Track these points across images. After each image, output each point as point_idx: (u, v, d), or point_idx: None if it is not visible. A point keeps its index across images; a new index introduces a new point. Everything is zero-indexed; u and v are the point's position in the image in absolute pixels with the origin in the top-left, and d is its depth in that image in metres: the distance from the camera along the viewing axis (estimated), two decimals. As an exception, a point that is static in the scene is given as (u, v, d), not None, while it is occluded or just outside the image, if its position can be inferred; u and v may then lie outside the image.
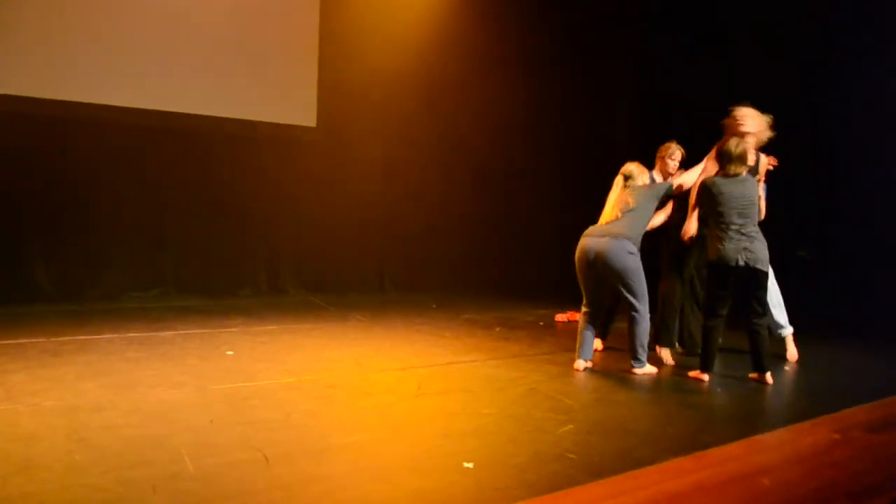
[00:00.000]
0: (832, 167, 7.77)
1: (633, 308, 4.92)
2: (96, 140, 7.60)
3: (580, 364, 5.10)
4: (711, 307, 4.88)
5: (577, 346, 5.17)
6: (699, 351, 5.09)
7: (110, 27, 7.65)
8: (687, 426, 3.82)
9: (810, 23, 7.88)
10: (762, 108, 5.18)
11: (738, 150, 4.83)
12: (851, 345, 6.51)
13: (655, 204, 5.14)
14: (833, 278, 7.45)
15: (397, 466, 3.04)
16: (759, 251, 4.73)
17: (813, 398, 4.65)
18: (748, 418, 4.17)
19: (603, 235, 4.96)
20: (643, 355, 5.01)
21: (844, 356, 6.09)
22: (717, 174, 4.90)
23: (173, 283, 8.09)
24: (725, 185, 4.80)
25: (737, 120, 5.13)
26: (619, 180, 5.20)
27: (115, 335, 5.72)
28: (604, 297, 5.24)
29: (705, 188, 4.87)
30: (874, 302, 7.20)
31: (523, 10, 9.85)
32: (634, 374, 4.97)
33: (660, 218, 5.34)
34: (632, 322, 4.96)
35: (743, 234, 4.74)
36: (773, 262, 4.95)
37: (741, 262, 4.69)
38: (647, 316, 4.96)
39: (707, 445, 3.43)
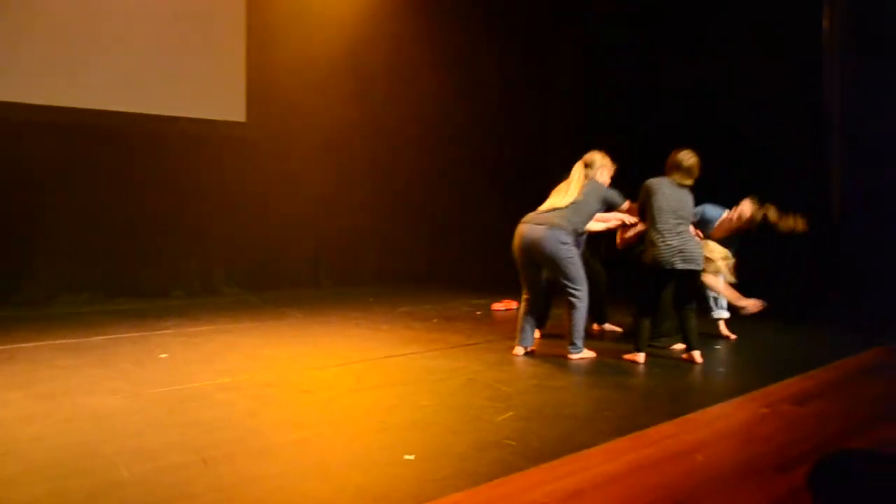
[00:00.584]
0: (755, 154, 7.98)
1: (570, 294, 4.99)
2: (16, 140, 7.33)
3: (519, 350, 5.19)
4: (644, 306, 5.06)
5: (517, 332, 5.24)
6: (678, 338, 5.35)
7: (29, 24, 7.41)
8: (624, 408, 3.90)
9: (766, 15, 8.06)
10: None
11: (689, 162, 5.03)
12: (776, 324, 6.73)
13: (600, 204, 5.18)
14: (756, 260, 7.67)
15: (338, 462, 3.03)
16: (694, 252, 4.93)
17: (742, 375, 4.81)
18: (682, 398, 4.28)
19: (539, 223, 5.02)
20: (580, 341, 5.09)
21: (770, 334, 6.31)
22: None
23: (103, 286, 7.88)
24: (668, 187, 4.98)
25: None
26: (579, 166, 5.27)
27: (44, 342, 5.54)
28: (542, 283, 5.29)
29: (649, 187, 5.01)
30: (796, 281, 7.44)
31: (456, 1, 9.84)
32: (571, 359, 5.05)
33: (597, 225, 5.44)
34: (569, 307, 5.03)
35: (677, 234, 4.90)
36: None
37: (678, 266, 4.86)
38: (585, 301, 5.02)
39: (644, 426, 3.51)
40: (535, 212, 5.16)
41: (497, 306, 7.47)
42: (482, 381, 4.41)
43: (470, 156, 10.03)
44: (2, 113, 7.25)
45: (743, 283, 5.87)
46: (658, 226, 4.92)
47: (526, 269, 5.17)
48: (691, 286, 5.09)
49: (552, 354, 5.19)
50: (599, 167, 5.30)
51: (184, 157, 8.17)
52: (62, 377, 4.44)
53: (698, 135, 5.85)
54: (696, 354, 5.04)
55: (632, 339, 5.21)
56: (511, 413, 3.70)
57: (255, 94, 8.77)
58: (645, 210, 5.07)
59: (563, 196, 5.13)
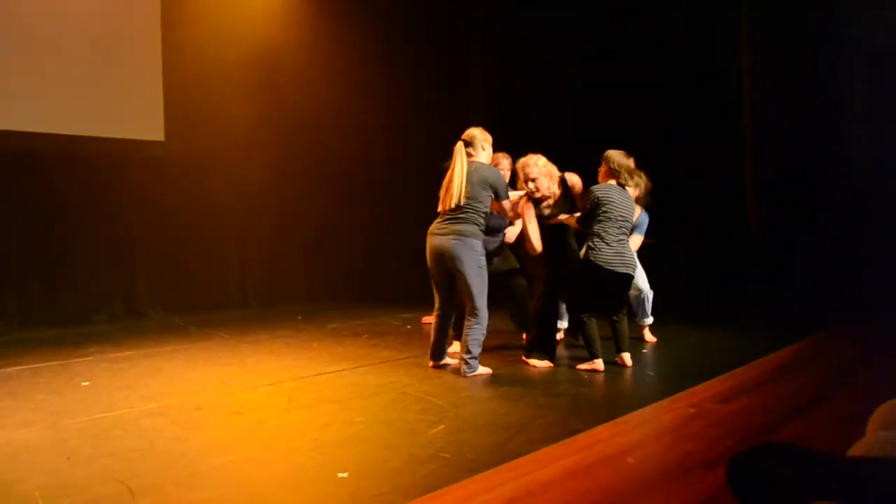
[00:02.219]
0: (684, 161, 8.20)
1: (470, 310, 4.91)
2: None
3: (432, 363, 5.19)
4: (588, 305, 5.10)
5: (430, 347, 5.23)
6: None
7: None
8: (556, 415, 3.94)
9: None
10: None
11: (633, 164, 5.16)
12: (698, 326, 6.95)
13: (490, 193, 4.96)
14: (678, 264, 7.88)
15: (271, 484, 2.97)
16: (633, 258, 5.14)
17: (670, 378, 4.94)
18: (613, 402, 4.36)
19: (448, 234, 4.86)
20: (474, 359, 4.93)
21: (695, 337, 6.51)
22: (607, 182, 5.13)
23: (16, 314, 7.53)
24: (617, 194, 5.05)
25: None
26: (459, 146, 4.98)
27: (-47, 376, 5.28)
28: (455, 296, 5.12)
29: (599, 197, 5.00)
30: (716, 284, 7.71)
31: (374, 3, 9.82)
32: (466, 376, 4.87)
33: (514, 231, 5.53)
34: (468, 323, 4.94)
35: (619, 241, 5.00)
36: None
37: (620, 269, 4.96)
38: (485, 318, 4.91)
39: (575, 432, 3.55)
40: (438, 220, 4.96)
41: (427, 319, 7.44)
42: (414, 394, 4.40)
43: (393, 165, 9.92)
44: None
45: (665, 289, 6.07)
46: (604, 233, 4.96)
47: (438, 281, 5.06)
48: (626, 291, 5.26)
49: (484, 365, 5.19)
50: (481, 142, 5.04)
51: (102, 178, 7.91)
52: (-25, 411, 4.24)
53: (617, 143, 5.97)
54: (627, 357, 5.14)
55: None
56: (444, 426, 3.70)
57: (173, 113, 8.57)
58: (591, 216, 5.01)
59: (452, 195, 4.88)
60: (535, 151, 5.39)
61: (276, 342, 6.49)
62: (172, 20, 8.54)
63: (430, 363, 5.22)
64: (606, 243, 4.96)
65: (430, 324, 7.24)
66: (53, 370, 5.41)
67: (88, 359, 5.86)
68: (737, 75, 7.98)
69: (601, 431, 3.60)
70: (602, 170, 5.21)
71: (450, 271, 4.93)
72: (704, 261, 7.83)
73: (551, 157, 5.46)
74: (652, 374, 5.15)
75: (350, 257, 9.89)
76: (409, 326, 7.19)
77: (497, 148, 5.41)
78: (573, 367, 5.16)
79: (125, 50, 8.33)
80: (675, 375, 4.98)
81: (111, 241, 7.92)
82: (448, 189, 4.93)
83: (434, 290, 5.14)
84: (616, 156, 5.14)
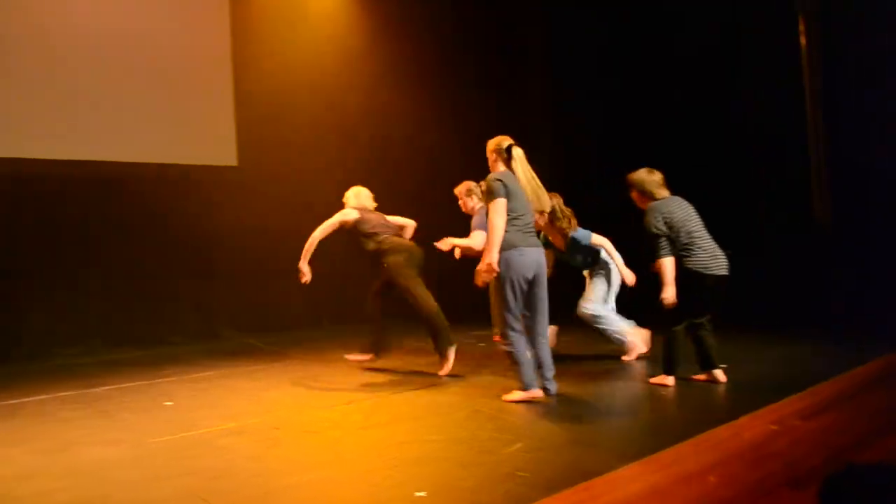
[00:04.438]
0: (761, 167, 8.04)
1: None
2: (7, 196, 7.36)
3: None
4: (684, 315, 4.87)
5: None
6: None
7: (24, 78, 7.47)
8: (633, 433, 3.87)
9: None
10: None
11: (656, 177, 4.96)
12: (776, 337, 6.73)
13: None
14: (757, 274, 7.69)
15: (348, 503, 2.99)
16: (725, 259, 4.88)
17: (749, 393, 4.76)
18: (691, 419, 4.24)
19: (538, 247, 4.66)
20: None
21: (773, 349, 6.29)
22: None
23: (101, 336, 7.84)
24: (676, 204, 4.93)
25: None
26: (520, 152, 4.70)
27: (45, 395, 5.50)
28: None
29: (667, 215, 4.82)
30: (795, 295, 7.47)
31: (441, 21, 9.94)
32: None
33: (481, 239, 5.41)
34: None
35: (709, 241, 4.87)
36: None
37: (718, 272, 4.80)
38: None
39: (654, 450, 3.47)
40: (523, 230, 4.56)
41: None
42: (489, 412, 4.37)
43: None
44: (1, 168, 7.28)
45: (739, 300, 5.89)
46: (694, 241, 4.77)
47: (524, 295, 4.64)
48: (722, 296, 4.89)
49: (558, 382, 5.14)
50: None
51: (178, 204, 8.18)
52: (64, 430, 4.40)
53: (681, 144, 5.89)
54: (719, 373, 4.94)
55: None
56: (520, 444, 3.66)
57: (245, 138, 8.83)
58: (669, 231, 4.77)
59: (544, 201, 4.69)
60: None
61: (351, 361, 6.55)
62: (243, 49, 8.83)
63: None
64: (700, 248, 4.77)
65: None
66: (138, 390, 5.59)
67: (170, 379, 6.03)
68: (798, 64, 7.77)
69: (680, 450, 3.51)
70: (634, 196, 5.03)
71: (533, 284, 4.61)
72: (776, 268, 7.61)
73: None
74: (730, 389, 5.00)
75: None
76: (481, 344, 7.17)
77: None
78: (645, 382, 5.06)
79: (198, 79, 8.63)
80: (754, 390, 4.80)
81: (187, 264, 8.16)
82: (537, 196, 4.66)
83: (514, 310, 4.60)
84: (641, 177, 4.98)
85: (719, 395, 4.80)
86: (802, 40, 7.78)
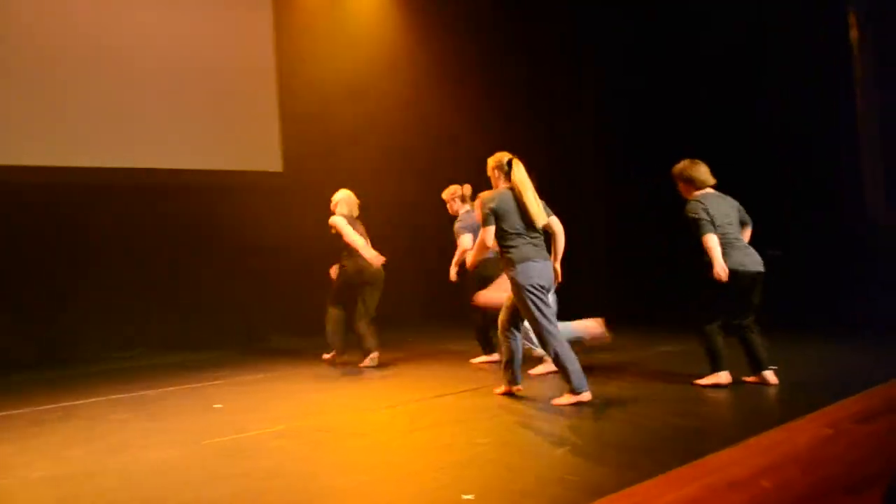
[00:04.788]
0: (800, 165, 7.91)
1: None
2: (63, 204, 7.58)
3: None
4: (715, 314, 4.89)
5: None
6: None
7: (73, 88, 7.67)
8: (682, 436, 3.83)
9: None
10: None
11: (699, 167, 4.99)
12: (828, 340, 6.60)
13: None
14: (805, 276, 7.55)
15: (397, 505, 3.01)
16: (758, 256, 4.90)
17: (802, 395, 4.68)
18: (742, 422, 4.19)
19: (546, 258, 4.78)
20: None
21: (823, 352, 6.18)
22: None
23: (153, 340, 8.02)
24: (714, 199, 4.93)
25: None
26: (520, 167, 4.77)
27: (101, 398, 5.64)
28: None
29: (704, 204, 4.83)
30: (845, 298, 7.32)
31: (478, 27, 9.97)
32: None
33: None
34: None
35: (739, 240, 4.90)
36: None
37: (753, 269, 4.82)
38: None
39: (704, 453, 3.43)
40: (534, 241, 4.69)
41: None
42: (535, 415, 4.37)
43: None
44: (48, 177, 7.48)
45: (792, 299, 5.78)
46: (726, 237, 4.77)
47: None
48: (758, 293, 4.86)
49: (604, 384, 5.12)
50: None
51: (224, 210, 8.32)
52: (120, 431, 4.50)
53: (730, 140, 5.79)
54: (770, 375, 4.86)
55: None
56: (569, 447, 3.65)
57: (290, 144, 8.95)
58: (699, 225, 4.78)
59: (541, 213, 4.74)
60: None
61: (396, 364, 6.60)
62: (286, 55, 8.96)
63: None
64: (732, 246, 4.76)
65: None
66: (188, 393, 5.69)
67: (219, 382, 6.13)
68: (848, 55, 7.65)
69: (732, 453, 3.47)
70: (681, 187, 5.04)
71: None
72: (827, 266, 7.48)
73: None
74: (781, 391, 4.92)
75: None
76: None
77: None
78: (691, 383, 4.99)
79: (243, 86, 8.78)
80: (808, 393, 4.72)
81: (234, 269, 8.29)
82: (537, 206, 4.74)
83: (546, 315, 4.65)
84: (685, 168, 5.00)
85: (770, 397, 4.73)
86: (853, 34, 7.64)
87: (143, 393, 5.78)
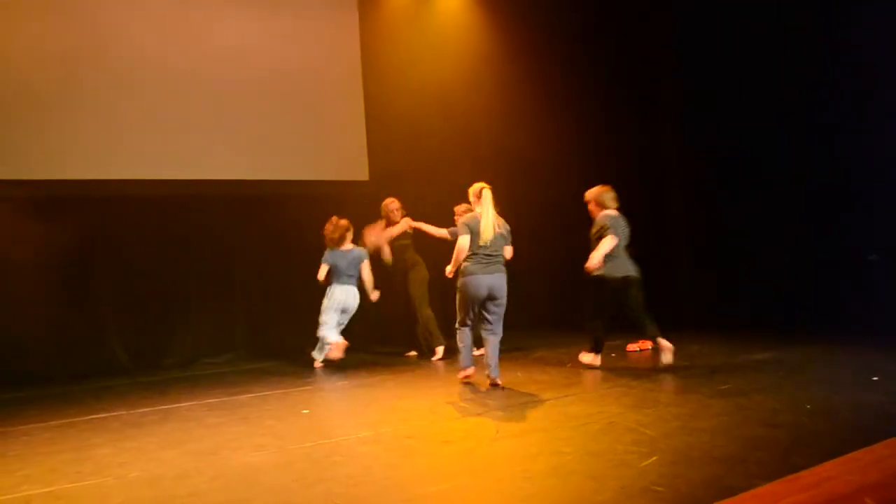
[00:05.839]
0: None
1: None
2: (160, 215, 7.91)
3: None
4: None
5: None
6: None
7: (164, 103, 7.97)
8: (775, 449, 3.69)
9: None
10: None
11: (606, 192, 6.41)
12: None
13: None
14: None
15: (482, 513, 3.00)
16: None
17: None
18: (839, 434, 4.00)
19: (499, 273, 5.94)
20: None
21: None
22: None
23: (245, 346, 8.27)
24: (619, 220, 6.30)
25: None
26: (487, 195, 5.90)
27: (194, 402, 5.83)
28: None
29: (611, 220, 6.21)
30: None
31: (564, 38, 9.92)
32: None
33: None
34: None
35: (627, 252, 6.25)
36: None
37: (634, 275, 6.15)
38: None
39: (799, 468, 3.30)
40: (482, 261, 5.80)
41: (632, 347, 7.29)
42: (623, 424, 4.29)
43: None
44: (152, 191, 7.80)
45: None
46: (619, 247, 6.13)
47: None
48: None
49: (693, 395, 4.99)
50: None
51: (312, 219, 8.47)
52: (212, 435, 4.64)
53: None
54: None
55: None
56: (656, 457, 3.57)
57: (376, 154, 9.08)
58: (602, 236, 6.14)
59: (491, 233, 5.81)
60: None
61: (481, 371, 6.58)
62: (372, 65, 9.10)
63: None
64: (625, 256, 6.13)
65: (635, 351, 7.13)
66: (277, 398, 5.82)
67: (307, 388, 6.25)
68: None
69: (830, 468, 3.32)
70: (592, 207, 6.50)
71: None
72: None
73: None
74: (885, 403, 4.68)
75: (549, 287, 9.89)
76: (613, 355, 7.04)
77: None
78: (787, 394, 4.80)
79: (330, 97, 8.96)
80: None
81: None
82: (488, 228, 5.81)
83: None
84: (596, 193, 6.47)
85: (872, 409, 4.51)
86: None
87: (235, 397, 5.95)
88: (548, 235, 9.79)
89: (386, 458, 3.91)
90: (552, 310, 9.87)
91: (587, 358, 6.46)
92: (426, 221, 7.92)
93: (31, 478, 3.86)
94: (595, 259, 6.07)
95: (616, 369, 6.28)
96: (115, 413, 5.55)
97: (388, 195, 8.99)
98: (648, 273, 6.37)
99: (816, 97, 7.88)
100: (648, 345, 7.13)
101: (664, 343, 6.04)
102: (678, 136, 9.62)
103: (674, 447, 3.77)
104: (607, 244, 6.08)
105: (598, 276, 6.12)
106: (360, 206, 8.76)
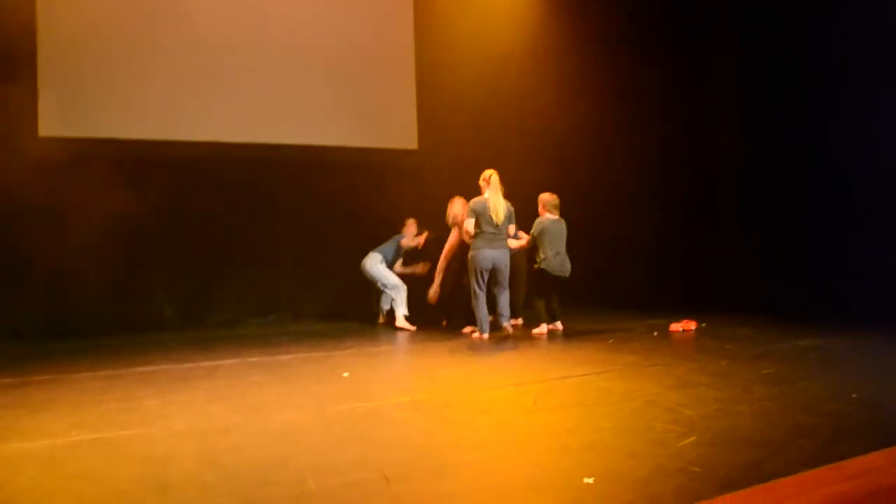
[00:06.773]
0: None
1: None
2: (210, 175, 8.03)
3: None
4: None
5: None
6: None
7: (219, 72, 8.08)
8: (818, 436, 3.63)
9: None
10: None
11: (557, 201, 7.34)
12: None
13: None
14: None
15: (517, 484, 3.01)
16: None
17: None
18: (886, 425, 3.91)
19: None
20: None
21: None
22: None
23: (289, 308, 8.39)
24: (551, 223, 7.30)
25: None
26: (495, 180, 6.98)
27: (238, 360, 5.94)
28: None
29: (543, 225, 7.21)
30: None
31: (615, 22, 9.76)
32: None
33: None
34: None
35: (559, 254, 7.22)
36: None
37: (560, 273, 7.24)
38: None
39: (842, 456, 3.23)
40: (488, 237, 6.79)
41: (675, 327, 7.22)
42: (663, 403, 4.25)
43: (640, 176, 9.82)
44: (202, 151, 7.92)
45: None
46: (548, 249, 7.14)
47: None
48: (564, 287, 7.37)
49: (737, 379, 4.93)
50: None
51: (364, 186, 8.54)
52: (255, 392, 4.72)
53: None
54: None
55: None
56: (694, 438, 3.54)
57: (425, 123, 9.07)
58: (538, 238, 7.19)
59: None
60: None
61: (522, 344, 6.59)
62: (425, 39, 9.07)
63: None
64: (557, 256, 7.20)
65: (678, 331, 7.06)
66: (318, 360, 5.90)
67: (347, 351, 6.32)
68: None
69: (876, 458, 3.24)
70: (542, 208, 7.35)
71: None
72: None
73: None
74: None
75: (595, 262, 9.80)
76: (655, 333, 6.98)
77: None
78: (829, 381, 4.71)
79: (383, 67, 8.95)
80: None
81: (368, 244, 8.46)
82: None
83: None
84: (546, 198, 7.38)
85: (921, 403, 4.40)
86: None
87: (277, 357, 6.05)
88: (584, 218, 9.71)
89: (423, 424, 3.94)
90: (592, 287, 9.80)
91: (539, 329, 7.29)
92: (470, 195, 7.94)
93: (80, 424, 3.98)
94: (513, 245, 7.26)
95: (658, 349, 6.23)
96: (162, 367, 5.68)
97: (435, 164, 9.02)
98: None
99: (875, 84, 7.65)
100: (692, 325, 7.06)
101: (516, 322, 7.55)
102: (734, 124, 9.45)
103: (713, 429, 3.72)
104: (522, 241, 7.44)
105: (540, 268, 7.21)
106: (408, 175, 8.80)
